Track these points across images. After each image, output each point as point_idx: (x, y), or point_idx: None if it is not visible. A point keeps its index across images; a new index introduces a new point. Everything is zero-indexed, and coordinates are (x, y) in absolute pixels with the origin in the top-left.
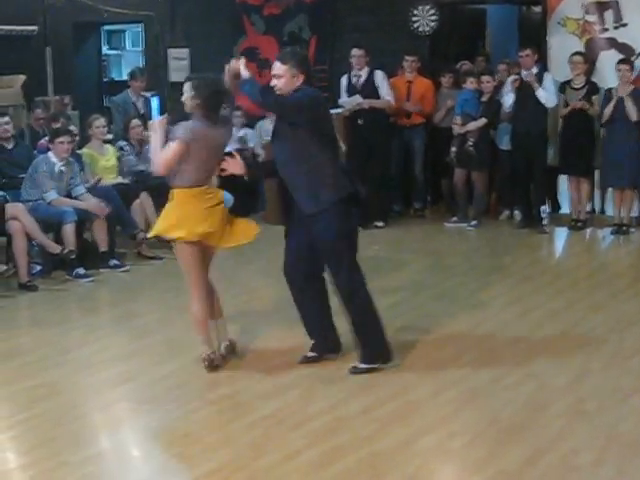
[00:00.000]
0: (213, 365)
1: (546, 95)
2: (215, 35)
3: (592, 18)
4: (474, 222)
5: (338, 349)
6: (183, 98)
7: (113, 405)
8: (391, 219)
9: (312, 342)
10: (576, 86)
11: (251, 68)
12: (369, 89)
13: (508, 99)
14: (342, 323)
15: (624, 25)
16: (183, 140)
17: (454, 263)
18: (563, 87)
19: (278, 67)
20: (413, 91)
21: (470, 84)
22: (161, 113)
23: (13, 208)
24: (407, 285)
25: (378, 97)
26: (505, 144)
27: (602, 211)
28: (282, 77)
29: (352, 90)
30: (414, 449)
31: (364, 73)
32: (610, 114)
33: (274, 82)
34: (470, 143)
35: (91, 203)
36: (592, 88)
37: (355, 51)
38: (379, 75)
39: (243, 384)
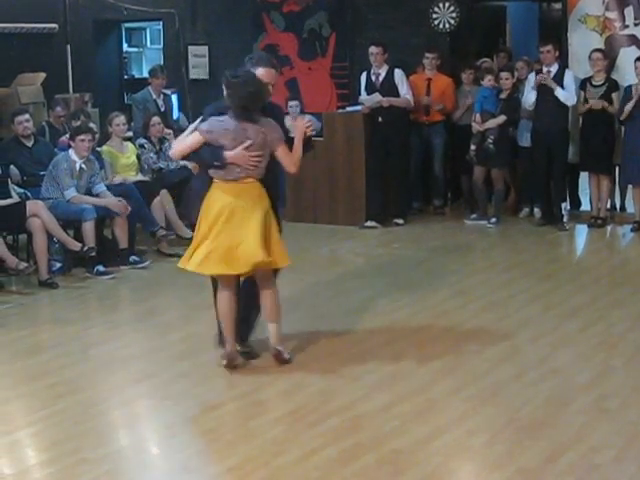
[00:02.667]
0: (232, 365)
1: (565, 94)
2: (235, 32)
3: (612, 15)
4: (494, 219)
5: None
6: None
7: (134, 402)
8: (411, 216)
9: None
10: (596, 83)
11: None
12: (388, 87)
13: (531, 97)
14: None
15: None
16: (200, 132)
17: (474, 260)
18: (583, 84)
19: None
20: (433, 88)
21: (488, 82)
22: (181, 110)
23: (33, 205)
24: (427, 282)
25: (397, 95)
26: (525, 141)
27: (622, 208)
28: None
29: (371, 88)
30: (434, 447)
31: (383, 71)
32: (630, 111)
33: None
34: (490, 140)
35: (111, 201)
36: (612, 85)
37: (373, 48)
38: (398, 74)
39: (263, 381)
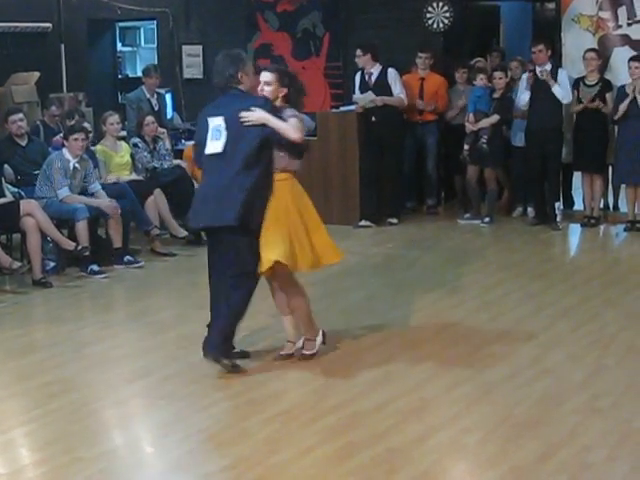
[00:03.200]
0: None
1: (562, 91)
2: (229, 32)
3: (606, 15)
4: (487, 219)
5: None
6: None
7: (127, 401)
8: (404, 216)
9: None
10: (590, 83)
11: (264, 64)
12: (381, 86)
13: (524, 97)
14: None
15: (638, 22)
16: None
17: (467, 260)
18: (577, 84)
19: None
20: (426, 88)
21: (480, 81)
22: (175, 109)
23: (27, 205)
24: (421, 282)
25: (391, 94)
26: (519, 141)
27: (615, 207)
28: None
29: (365, 88)
30: (428, 445)
31: (376, 71)
32: (624, 111)
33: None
34: (483, 140)
35: (103, 202)
36: (606, 85)
37: (357, 51)
38: (391, 73)
39: (257, 380)
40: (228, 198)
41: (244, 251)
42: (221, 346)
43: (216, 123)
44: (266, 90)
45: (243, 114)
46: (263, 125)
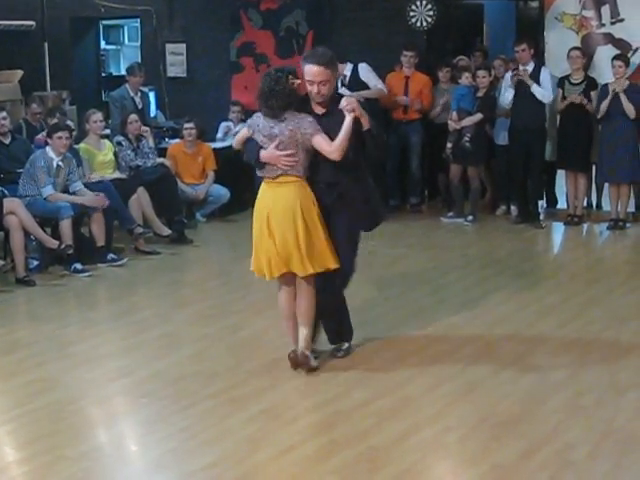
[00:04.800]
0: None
1: (542, 91)
2: (212, 30)
3: (589, 13)
4: (470, 217)
5: None
6: None
7: (110, 400)
8: (388, 214)
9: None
10: (575, 81)
11: (248, 63)
12: (355, 85)
13: (508, 95)
14: None
15: (621, 21)
16: (247, 126)
17: (450, 258)
18: (562, 82)
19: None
20: (411, 87)
21: (465, 79)
22: (158, 108)
23: (10, 203)
24: (403, 280)
25: (367, 89)
26: (502, 139)
27: (599, 206)
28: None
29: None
30: (410, 443)
31: (347, 71)
32: (606, 109)
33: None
34: (466, 138)
35: (88, 198)
36: (591, 83)
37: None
38: (363, 68)
39: (239, 378)
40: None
41: None
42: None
43: None
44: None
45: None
46: None
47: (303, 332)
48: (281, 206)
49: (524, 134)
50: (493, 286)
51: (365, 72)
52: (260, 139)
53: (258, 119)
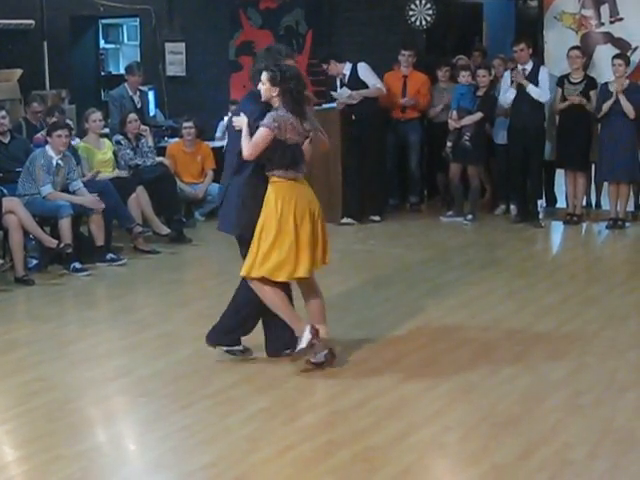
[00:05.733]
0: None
1: (538, 91)
2: (211, 29)
3: (588, 12)
4: (470, 216)
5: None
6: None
7: (109, 399)
8: (387, 213)
9: None
10: (574, 80)
11: (246, 62)
12: (355, 84)
13: (510, 95)
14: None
15: (620, 20)
16: (270, 127)
17: (450, 257)
18: (561, 81)
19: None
20: (409, 86)
21: (464, 78)
22: (157, 107)
23: (9, 202)
24: (402, 279)
25: (367, 88)
26: (501, 138)
27: (598, 205)
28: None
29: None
30: (409, 443)
31: (347, 70)
32: (607, 109)
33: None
34: (466, 137)
35: (87, 198)
36: (590, 83)
37: (324, 67)
38: (362, 68)
39: (238, 378)
40: (227, 202)
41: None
42: (217, 334)
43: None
44: (261, 89)
45: (234, 119)
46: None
47: (323, 329)
48: (311, 198)
49: (523, 133)
50: (492, 285)
51: (364, 71)
52: (291, 136)
53: (287, 116)
